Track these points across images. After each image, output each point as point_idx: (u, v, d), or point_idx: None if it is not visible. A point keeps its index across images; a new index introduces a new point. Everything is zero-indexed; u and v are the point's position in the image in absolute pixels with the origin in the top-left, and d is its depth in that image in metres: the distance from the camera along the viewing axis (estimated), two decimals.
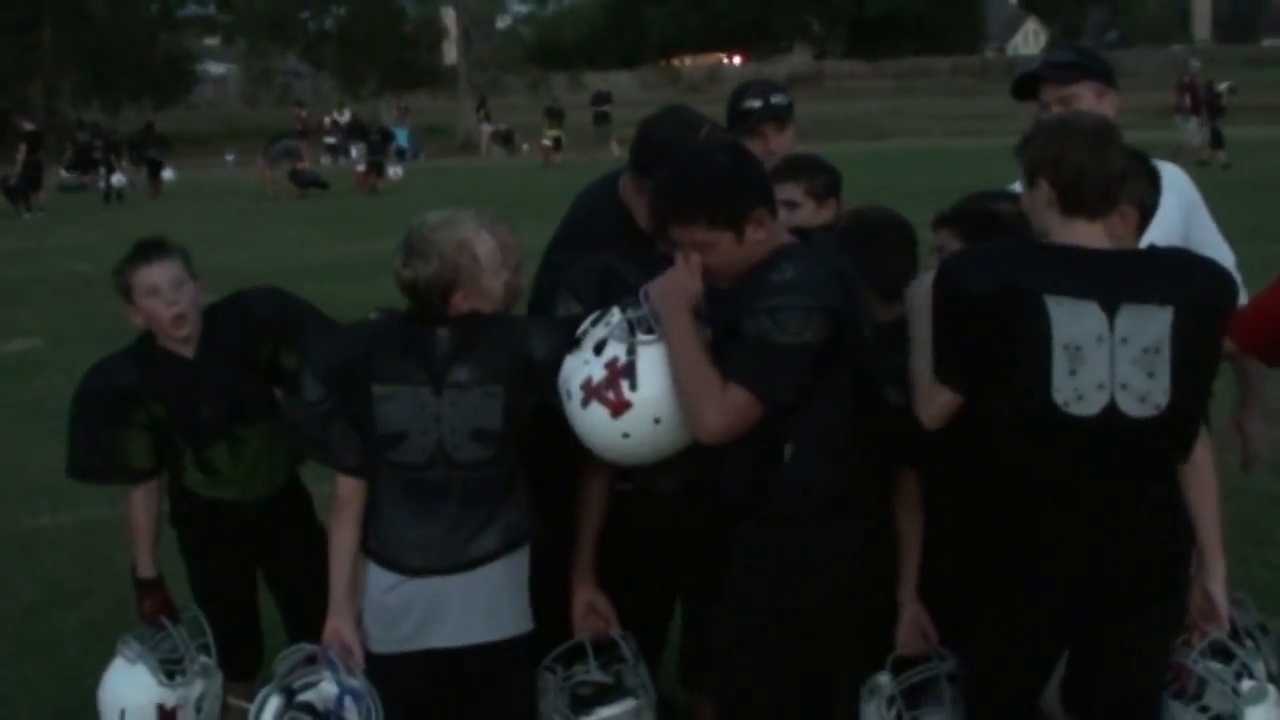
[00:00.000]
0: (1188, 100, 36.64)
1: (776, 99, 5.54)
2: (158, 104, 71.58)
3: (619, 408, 4.18)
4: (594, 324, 4.30)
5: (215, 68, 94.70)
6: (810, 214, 5.04)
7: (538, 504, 4.65)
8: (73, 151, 45.00)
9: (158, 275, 5.01)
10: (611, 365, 4.19)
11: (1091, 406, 3.91)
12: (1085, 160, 4.01)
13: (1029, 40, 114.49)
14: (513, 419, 4.45)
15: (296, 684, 4.54)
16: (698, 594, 4.96)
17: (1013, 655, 4.32)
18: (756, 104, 5.51)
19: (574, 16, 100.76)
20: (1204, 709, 4.30)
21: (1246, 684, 4.30)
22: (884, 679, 4.55)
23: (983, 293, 3.95)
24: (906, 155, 41.26)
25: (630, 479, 4.70)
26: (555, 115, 50.41)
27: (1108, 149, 4.05)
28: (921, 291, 4.33)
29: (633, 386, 4.16)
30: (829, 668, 4.42)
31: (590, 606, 4.79)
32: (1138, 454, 4.00)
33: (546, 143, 48.98)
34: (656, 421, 4.19)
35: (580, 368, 4.25)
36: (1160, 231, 4.74)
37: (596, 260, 4.75)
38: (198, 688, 5.07)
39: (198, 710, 5.07)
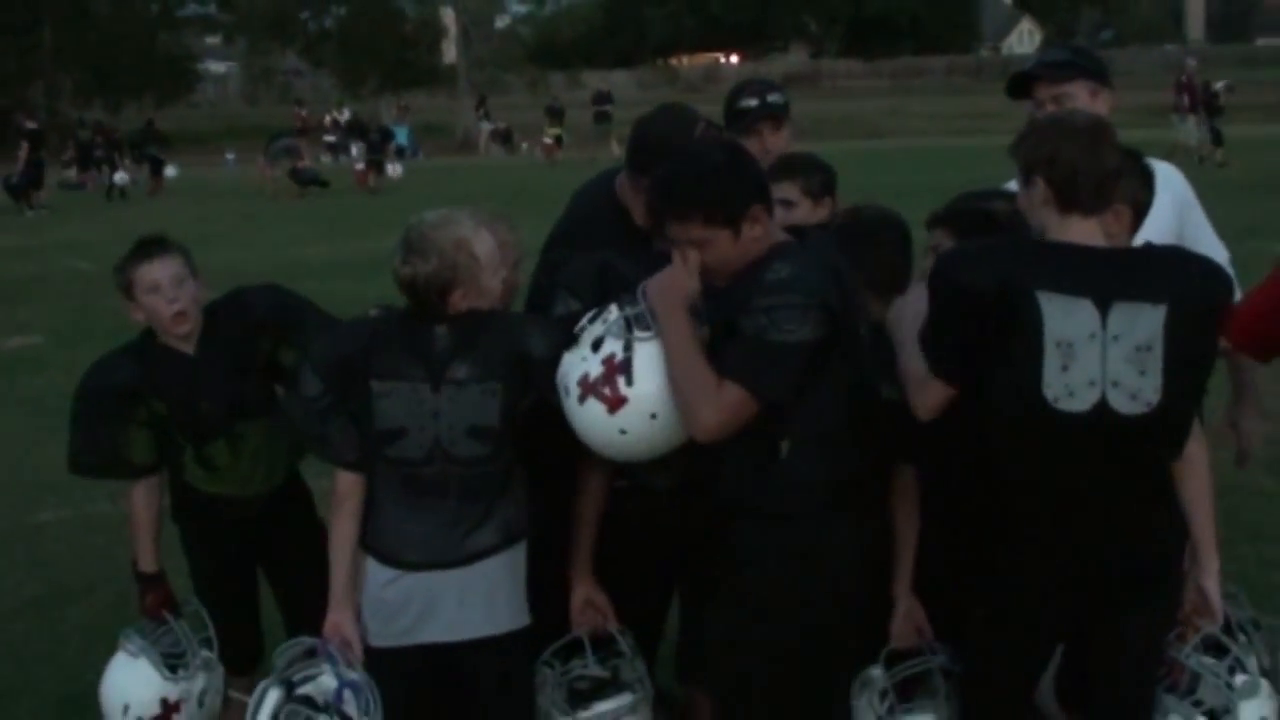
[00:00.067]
0: (1186, 99, 36.61)
1: (773, 98, 5.54)
2: (159, 103, 71.64)
3: (615, 403, 4.19)
4: (591, 321, 4.31)
5: (216, 66, 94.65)
6: (806, 212, 5.05)
7: (536, 500, 4.67)
8: (74, 149, 45.02)
9: (159, 272, 5.04)
10: (608, 361, 4.20)
11: (1082, 403, 3.92)
12: (1080, 157, 4.03)
13: (1023, 40, 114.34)
14: (510, 416, 4.47)
15: (296, 677, 4.56)
16: (695, 589, 4.96)
17: (1007, 650, 4.34)
18: (753, 103, 5.52)
19: (572, 16, 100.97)
20: (1198, 703, 4.32)
21: (1240, 678, 4.32)
22: (877, 672, 4.57)
23: (976, 288, 3.97)
24: (902, 154, 41.23)
25: (628, 476, 4.70)
26: (556, 114, 50.45)
27: (1102, 146, 4.07)
28: (905, 306, 4.40)
29: (629, 382, 4.17)
30: (825, 661, 4.42)
31: (588, 602, 4.80)
32: (1129, 451, 4.01)
33: (548, 141, 48.99)
34: (653, 417, 4.20)
35: (578, 364, 4.26)
36: (1154, 230, 4.76)
37: (594, 258, 4.75)
38: (200, 681, 5.10)
39: (200, 704, 5.11)
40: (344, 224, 29.13)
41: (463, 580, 4.50)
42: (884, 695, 4.54)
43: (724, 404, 4.07)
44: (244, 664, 5.33)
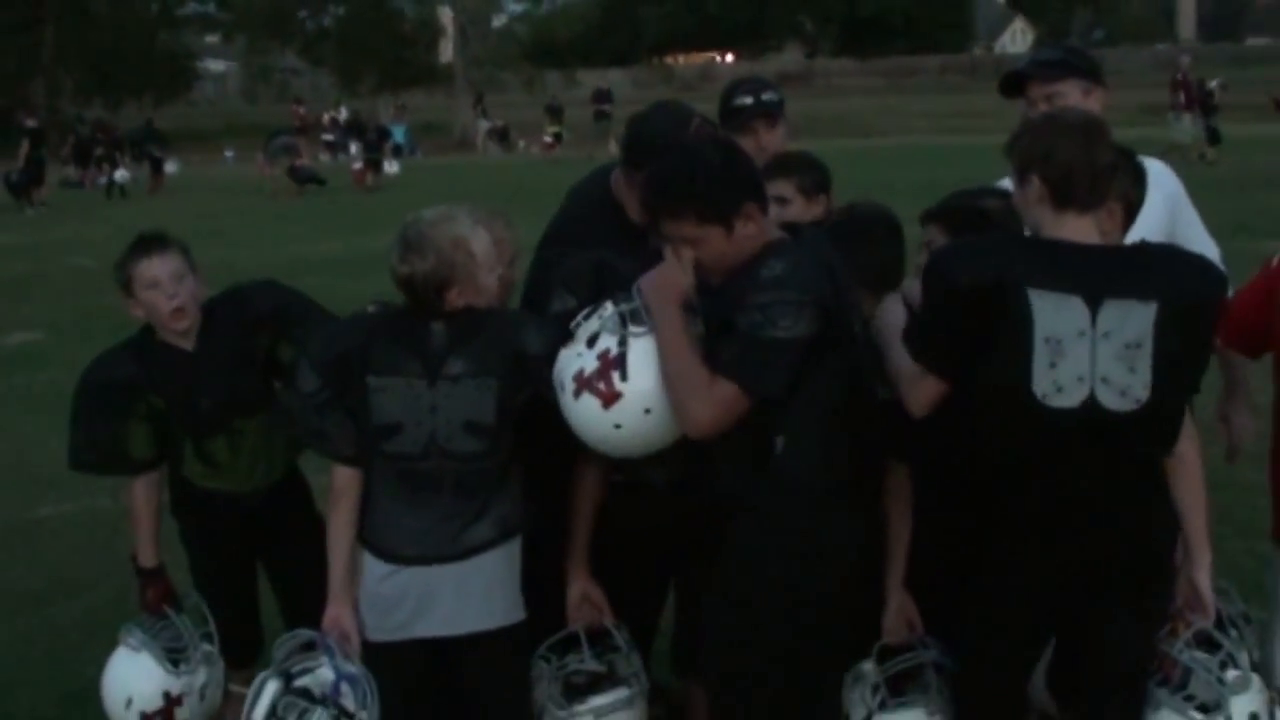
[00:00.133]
0: (1181, 97, 36.61)
1: (767, 96, 5.54)
2: (158, 101, 71.77)
3: (610, 399, 4.20)
4: (587, 317, 4.33)
5: (215, 65, 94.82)
6: (800, 210, 5.05)
7: (532, 496, 4.69)
8: (74, 143, 45.04)
9: (158, 268, 5.05)
10: (603, 357, 4.22)
11: (1071, 399, 3.95)
12: (1075, 155, 4.05)
13: (1016, 39, 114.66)
14: (506, 412, 4.48)
15: (294, 669, 4.59)
16: (691, 584, 4.97)
17: (999, 644, 4.37)
18: (748, 101, 5.52)
19: (568, 15, 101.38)
20: (1189, 698, 4.34)
21: (1231, 674, 4.34)
22: (869, 666, 4.60)
23: (969, 284, 3.99)
24: (896, 152, 41.14)
25: (623, 471, 4.72)
26: (555, 112, 50.48)
27: (1096, 143, 4.10)
28: (886, 314, 4.45)
29: (624, 377, 4.19)
30: (819, 656, 4.43)
31: (584, 596, 4.82)
32: (1118, 447, 4.03)
33: (547, 139, 49.00)
34: (647, 412, 4.21)
35: (573, 360, 4.28)
36: (1146, 227, 4.78)
37: (590, 255, 4.76)
38: (201, 675, 5.14)
39: (201, 697, 5.14)
40: (342, 221, 29.07)
41: (459, 575, 4.52)
42: (876, 689, 4.57)
43: (716, 400, 4.09)
44: (244, 658, 5.35)
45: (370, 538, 4.61)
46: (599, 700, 4.73)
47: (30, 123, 38.92)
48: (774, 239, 4.27)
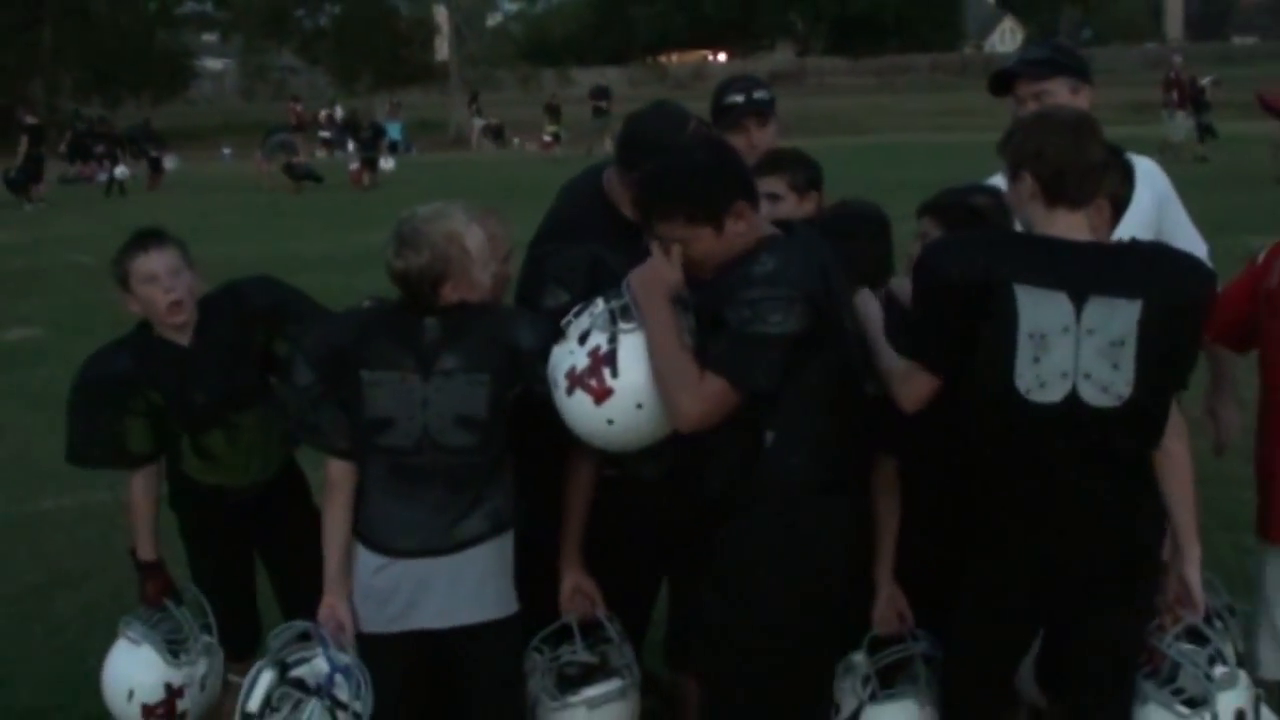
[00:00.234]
0: (1174, 95, 36.61)
1: (759, 94, 5.55)
2: (156, 99, 71.78)
3: (601, 395, 4.24)
4: (578, 314, 4.37)
5: (213, 63, 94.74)
6: (792, 207, 5.07)
7: (525, 489, 4.71)
8: (70, 139, 45.03)
9: (155, 263, 5.08)
10: (594, 354, 4.26)
11: (1053, 394, 3.98)
12: (1066, 151, 4.09)
13: (1006, 38, 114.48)
14: (498, 406, 4.51)
15: (290, 659, 4.61)
16: (683, 576, 5.02)
17: (987, 636, 4.41)
18: (739, 99, 5.52)
19: (563, 14, 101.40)
20: (1177, 692, 4.36)
21: (1219, 669, 4.36)
22: (859, 658, 4.64)
23: (957, 279, 4.03)
24: (886, 150, 41.11)
25: (616, 465, 4.74)
26: (554, 111, 50.38)
27: (1087, 140, 4.13)
28: (872, 303, 4.50)
29: (614, 374, 4.22)
30: (810, 648, 4.46)
31: (577, 588, 4.84)
32: (1101, 442, 4.06)
33: (547, 138, 48.93)
34: (639, 407, 4.25)
35: (566, 357, 4.32)
36: (1134, 224, 4.81)
37: (583, 251, 4.79)
38: (201, 666, 5.17)
39: (201, 688, 5.17)
40: (338, 218, 29.04)
41: (452, 567, 4.54)
42: (866, 680, 4.61)
43: (706, 394, 4.13)
44: (242, 649, 5.35)
45: (364, 530, 4.63)
46: (592, 691, 4.75)
47: (29, 120, 38.84)
48: (766, 235, 4.30)
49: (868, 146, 42.62)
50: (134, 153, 43.27)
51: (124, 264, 5.13)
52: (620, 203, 4.90)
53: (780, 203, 5.07)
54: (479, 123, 58.65)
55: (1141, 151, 5.33)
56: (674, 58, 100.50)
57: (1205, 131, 36.07)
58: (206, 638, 5.21)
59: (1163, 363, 4.03)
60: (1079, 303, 3.97)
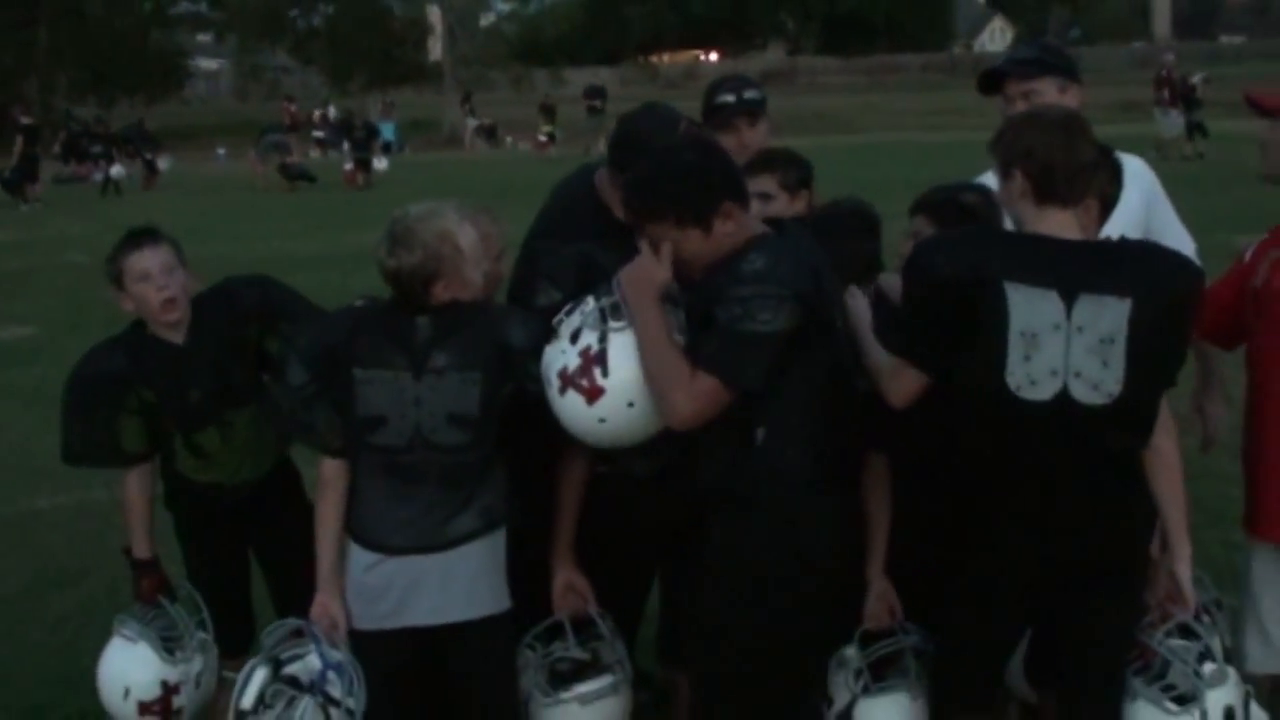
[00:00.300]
0: (1166, 94, 36.61)
1: (749, 94, 5.56)
2: (151, 99, 71.64)
3: (593, 394, 4.26)
4: (569, 313, 4.38)
5: (207, 63, 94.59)
6: (783, 206, 5.09)
7: (517, 486, 4.72)
8: (64, 139, 45.03)
9: (149, 261, 5.09)
10: (585, 353, 4.27)
11: (1044, 392, 4.00)
12: (1056, 151, 4.10)
13: (995, 37, 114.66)
14: (490, 404, 4.53)
15: (283, 656, 4.62)
16: (676, 573, 5.05)
17: (977, 632, 4.42)
18: (730, 99, 5.54)
19: (555, 14, 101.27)
20: (1168, 688, 4.37)
21: (1208, 667, 4.38)
22: (851, 652, 4.65)
23: (948, 277, 4.05)
24: (877, 149, 41.08)
25: (608, 461, 4.76)
26: (549, 111, 50.31)
27: (1078, 139, 4.15)
28: (860, 300, 4.51)
29: (605, 373, 4.23)
30: (801, 643, 4.48)
31: (569, 585, 4.86)
32: (1091, 439, 4.08)
33: (542, 138, 48.88)
34: (630, 406, 4.26)
35: (558, 356, 4.33)
36: (1122, 222, 4.84)
37: (575, 249, 4.81)
38: (197, 663, 5.17)
39: (197, 685, 5.18)
40: (332, 218, 28.97)
41: (444, 565, 4.56)
42: (859, 674, 4.62)
43: (697, 393, 4.14)
44: (237, 646, 5.34)
45: (356, 528, 4.65)
46: (584, 688, 4.77)
47: (25, 120, 38.81)
48: (757, 234, 4.31)
49: (858, 145, 42.58)
50: (129, 153, 43.26)
51: (118, 262, 5.13)
52: (612, 203, 4.88)
53: (771, 202, 5.08)
54: (472, 122, 58.56)
55: (1135, 150, 5.35)
56: (666, 58, 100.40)
57: (1195, 129, 36.06)
58: (201, 635, 5.22)
59: (1152, 360, 4.05)
60: (1069, 301, 3.98)
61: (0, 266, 22.88)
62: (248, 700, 4.54)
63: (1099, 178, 4.42)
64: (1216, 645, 4.51)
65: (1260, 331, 4.90)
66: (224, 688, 5.16)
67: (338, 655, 4.60)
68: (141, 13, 74.70)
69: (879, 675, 4.65)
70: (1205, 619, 4.56)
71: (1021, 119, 4.37)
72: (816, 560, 4.34)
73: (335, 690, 4.55)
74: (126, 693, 5.11)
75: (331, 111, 56.08)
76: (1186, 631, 4.46)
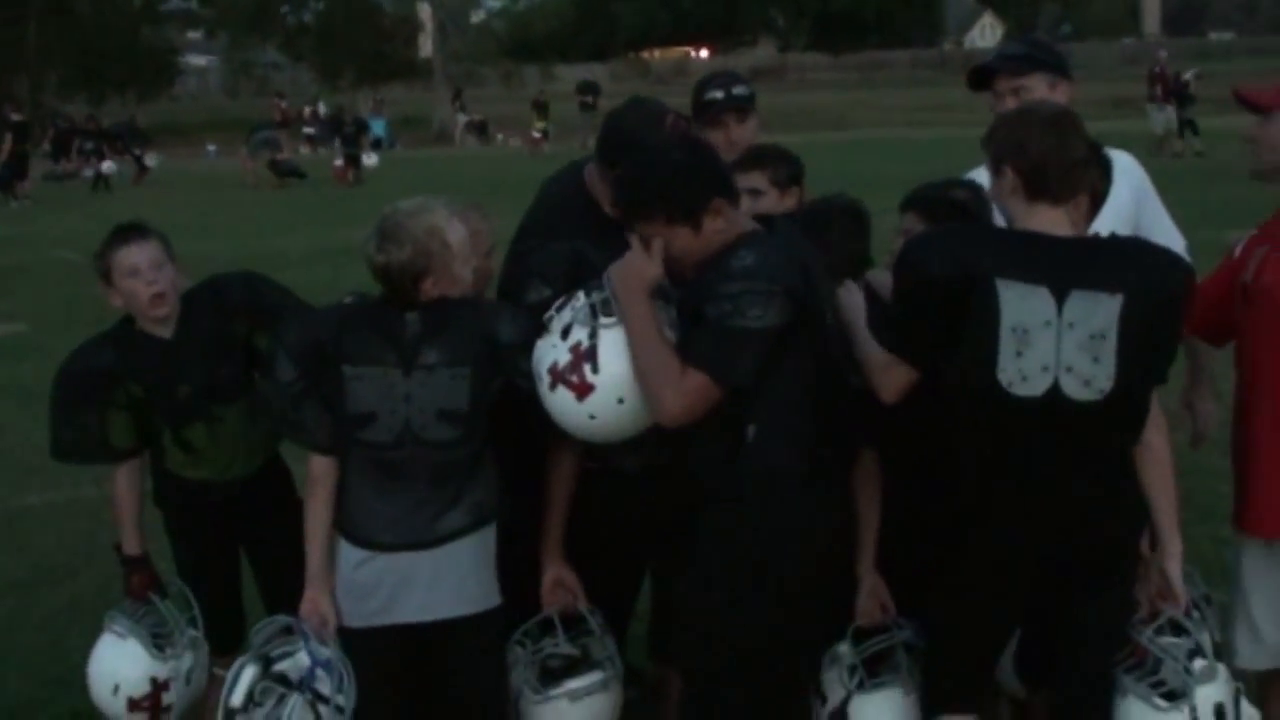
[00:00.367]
0: (1158, 90, 36.68)
1: (738, 90, 5.57)
2: (141, 96, 71.64)
3: (583, 390, 4.25)
4: (560, 309, 4.38)
5: (197, 60, 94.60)
6: (773, 202, 5.09)
7: (507, 482, 4.71)
8: (53, 136, 45.03)
9: (137, 256, 5.08)
10: (575, 349, 4.26)
11: (1035, 388, 4.00)
12: (1047, 147, 4.10)
13: (985, 34, 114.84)
14: (479, 400, 4.52)
15: (273, 653, 4.62)
16: (665, 569, 5.03)
17: (968, 628, 4.42)
18: (719, 95, 5.55)
19: (545, 11, 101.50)
20: (1158, 684, 4.37)
21: (1198, 663, 4.38)
22: (844, 648, 4.65)
23: (939, 273, 4.05)
24: (867, 145, 41.17)
25: (598, 458, 4.76)
26: (541, 108, 50.33)
27: (1069, 136, 4.15)
28: (855, 294, 4.51)
29: (595, 370, 4.23)
30: (793, 640, 4.48)
31: (559, 581, 4.85)
32: (1083, 435, 4.08)
33: (535, 135, 48.89)
34: (620, 402, 4.26)
35: (548, 352, 4.32)
36: (1112, 218, 4.84)
37: (565, 245, 4.80)
38: (187, 660, 5.17)
39: (187, 681, 5.17)
40: (322, 214, 29.03)
41: (434, 561, 4.56)
42: (852, 670, 4.62)
43: (687, 389, 4.14)
44: (227, 643, 5.33)
45: (346, 525, 4.64)
46: (574, 684, 4.77)
47: (15, 117, 38.80)
48: (746, 230, 4.32)
49: (848, 142, 42.69)
50: (119, 149, 43.24)
51: (106, 258, 5.13)
52: (601, 198, 4.90)
53: (761, 198, 5.09)
54: (463, 119, 58.65)
55: (1128, 147, 5.35)
56: (656, 54, 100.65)
57: (1186, 126, 36.12)
58: (192, 632, 5.21)
59: (1143, 357, 4.05)
60: (1060, 297, 3.98)
61: None
62: (237, 698, 4.54)
63: (1090, 174, 4.42)
64: (1207, 641, 4.51)
65: (1250, 327, 4.90)
66: (214, 684, 5.14)
67: (327, 652, 4.58)
68: (131, 9, 74.73)
69: (872, 671, 4.65)
70: (1195, 615, 4.56)
71: (1014, 116, 4.38)
72: (806, 556, 4.34)
73: (324, 687, 4.53)
74: (116, 689, 5.10)
75: (322, 108, 56.17)
76: (1177, 628, 4.46)
